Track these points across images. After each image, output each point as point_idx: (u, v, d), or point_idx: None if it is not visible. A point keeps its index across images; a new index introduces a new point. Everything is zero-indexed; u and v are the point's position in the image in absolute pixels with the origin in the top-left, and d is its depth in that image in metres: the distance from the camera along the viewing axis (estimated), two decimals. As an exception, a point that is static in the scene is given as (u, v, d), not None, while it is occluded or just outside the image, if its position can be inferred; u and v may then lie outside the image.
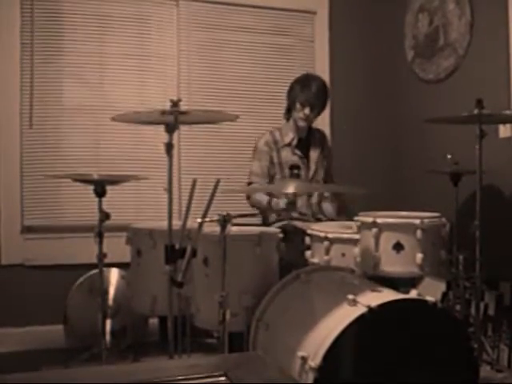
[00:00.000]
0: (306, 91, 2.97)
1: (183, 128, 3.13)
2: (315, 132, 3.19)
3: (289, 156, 3.04)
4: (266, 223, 3.01)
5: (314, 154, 3.11)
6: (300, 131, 3.08)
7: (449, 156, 2.71)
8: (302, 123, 3.02)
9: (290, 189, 2.26)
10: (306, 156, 3.08)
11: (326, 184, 3.16)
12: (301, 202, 3.03)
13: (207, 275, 2.22)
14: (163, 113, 2.01)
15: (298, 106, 3.00)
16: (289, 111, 3.11)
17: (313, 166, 3.09)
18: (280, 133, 3.09)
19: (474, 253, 2.38)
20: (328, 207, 3.12)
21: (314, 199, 3.09)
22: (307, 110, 2.97)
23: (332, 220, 2.94)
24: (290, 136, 3.07)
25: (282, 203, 2.86)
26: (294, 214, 2.98)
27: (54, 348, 2.94)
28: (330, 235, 2.40)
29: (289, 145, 3.06)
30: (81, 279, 3.05)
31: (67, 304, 3.03)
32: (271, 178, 3.04)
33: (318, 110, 3.03)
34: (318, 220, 3.03)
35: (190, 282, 2.14)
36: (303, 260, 2.52)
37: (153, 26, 3.46)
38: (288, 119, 3.12)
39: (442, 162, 2.75)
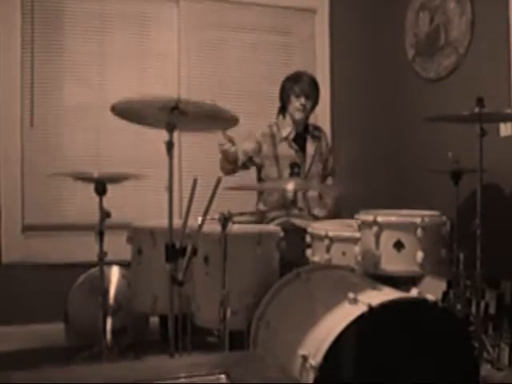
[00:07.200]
0: (299, 83, 3.01)
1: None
2: (312, 128, 3.19)
3: (286, 150, 3.05)
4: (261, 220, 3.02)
5: (310, 149, 3.11)
6: (297, 124, 3.08)
7: (450, 154, 2.71)
8: (298, 115, 3.02)
9: (290, 186, 2.25)
10: (302, 150, 3.09)
11: (322, 180, 3.17)
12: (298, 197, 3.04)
13: (208, 274, 2.22)
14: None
15: (293, 98, 3.01)
16: (282, 110, 3.12)
17: (308, 161, 3.09)
18: (277, 127, 3.10)
19: (474, 251, 2.38)
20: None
21: (311, 194, 3.08)
22: (303, 100, 2.99)
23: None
24: (287, 130, 3.08)
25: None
26: (293, 211, 2.99)
27: (55, 346, 2.94)
28: (330, 234, 2.40)
29: (286, 138, 3.07)
30: (81, 278, 3.05)
31: (68, 302, 3.03)
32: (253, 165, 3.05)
33: (312, 100, 3.04)
34: (314, 216, 3.04)
35: (190, 281, 2.14)
36: (304, 258, 2.52)
37: (153, 25, 3.47)
38: (284, 116, 3.13)
39: (443, 161, 2.75)
